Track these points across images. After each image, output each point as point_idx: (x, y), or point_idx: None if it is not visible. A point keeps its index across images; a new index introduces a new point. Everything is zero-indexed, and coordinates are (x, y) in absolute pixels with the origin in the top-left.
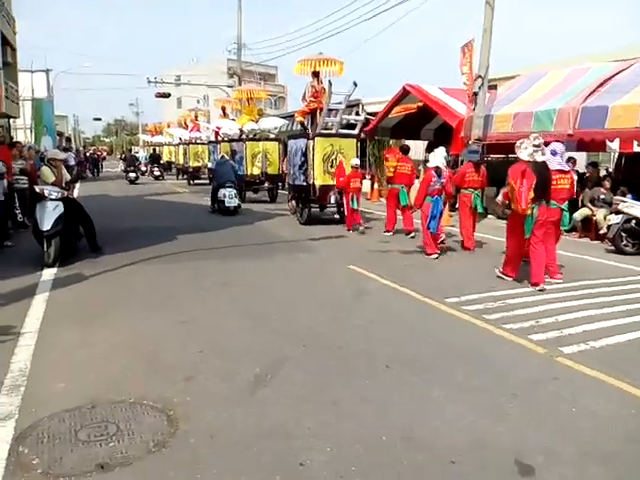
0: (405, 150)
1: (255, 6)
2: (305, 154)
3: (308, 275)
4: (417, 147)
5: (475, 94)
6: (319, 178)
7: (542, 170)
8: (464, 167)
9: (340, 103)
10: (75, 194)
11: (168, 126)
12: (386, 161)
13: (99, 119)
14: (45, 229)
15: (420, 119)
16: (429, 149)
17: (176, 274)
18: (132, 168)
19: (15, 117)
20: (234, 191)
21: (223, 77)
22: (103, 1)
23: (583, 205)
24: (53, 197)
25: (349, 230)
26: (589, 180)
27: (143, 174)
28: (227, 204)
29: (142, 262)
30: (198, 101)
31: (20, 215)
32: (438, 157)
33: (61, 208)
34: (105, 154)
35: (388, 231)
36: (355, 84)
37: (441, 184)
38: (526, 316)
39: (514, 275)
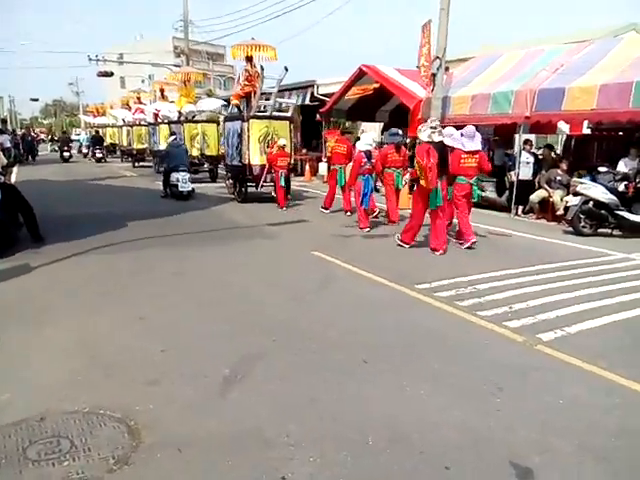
0: (346, 132)
1: None
2: (240, 135)
3: (271, 263)
4: (373, 129)
5: (433, 75)
6: (254, 158)
7: (440, 149)
8: (386, 149)
9: (273, 87)
10: (13, 179)
11: (111, 107)
12: (326, 141)
13: (36, 100)
14: None
15: (376, 101)
16: (384, 131)
17: (129, 265)
18: (66, 148)
19: None
20: (188, 175)
21: (169, 56)
22: None
23: (540, 187)
24: None
25: (282, 208)
26: (545, 162)
27: (85, 156)
28: (181, 189)
29: (90, 252)
30: (143, 81)
31: None
32: (366, 139)
33: None
34: (44, 136)
35: (325, 208)
36: (286, 69)
37: (371, 164)
38: (498, 302)
39: (411, 243)
